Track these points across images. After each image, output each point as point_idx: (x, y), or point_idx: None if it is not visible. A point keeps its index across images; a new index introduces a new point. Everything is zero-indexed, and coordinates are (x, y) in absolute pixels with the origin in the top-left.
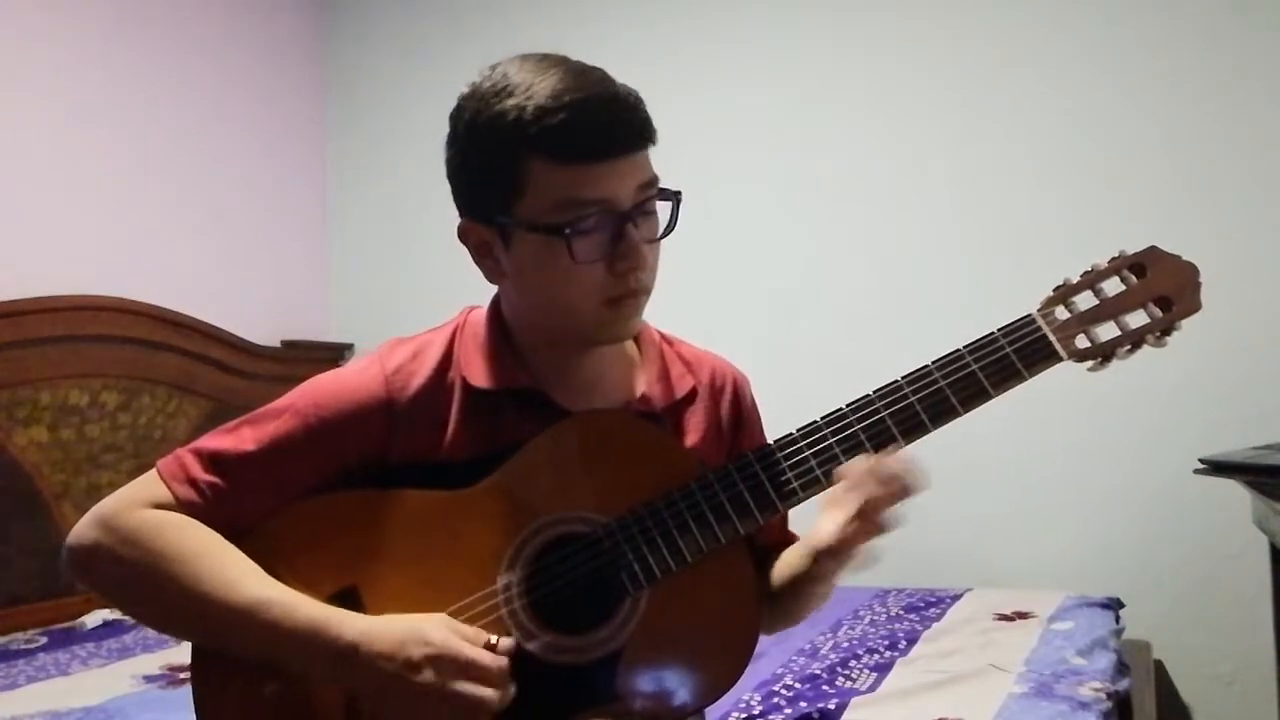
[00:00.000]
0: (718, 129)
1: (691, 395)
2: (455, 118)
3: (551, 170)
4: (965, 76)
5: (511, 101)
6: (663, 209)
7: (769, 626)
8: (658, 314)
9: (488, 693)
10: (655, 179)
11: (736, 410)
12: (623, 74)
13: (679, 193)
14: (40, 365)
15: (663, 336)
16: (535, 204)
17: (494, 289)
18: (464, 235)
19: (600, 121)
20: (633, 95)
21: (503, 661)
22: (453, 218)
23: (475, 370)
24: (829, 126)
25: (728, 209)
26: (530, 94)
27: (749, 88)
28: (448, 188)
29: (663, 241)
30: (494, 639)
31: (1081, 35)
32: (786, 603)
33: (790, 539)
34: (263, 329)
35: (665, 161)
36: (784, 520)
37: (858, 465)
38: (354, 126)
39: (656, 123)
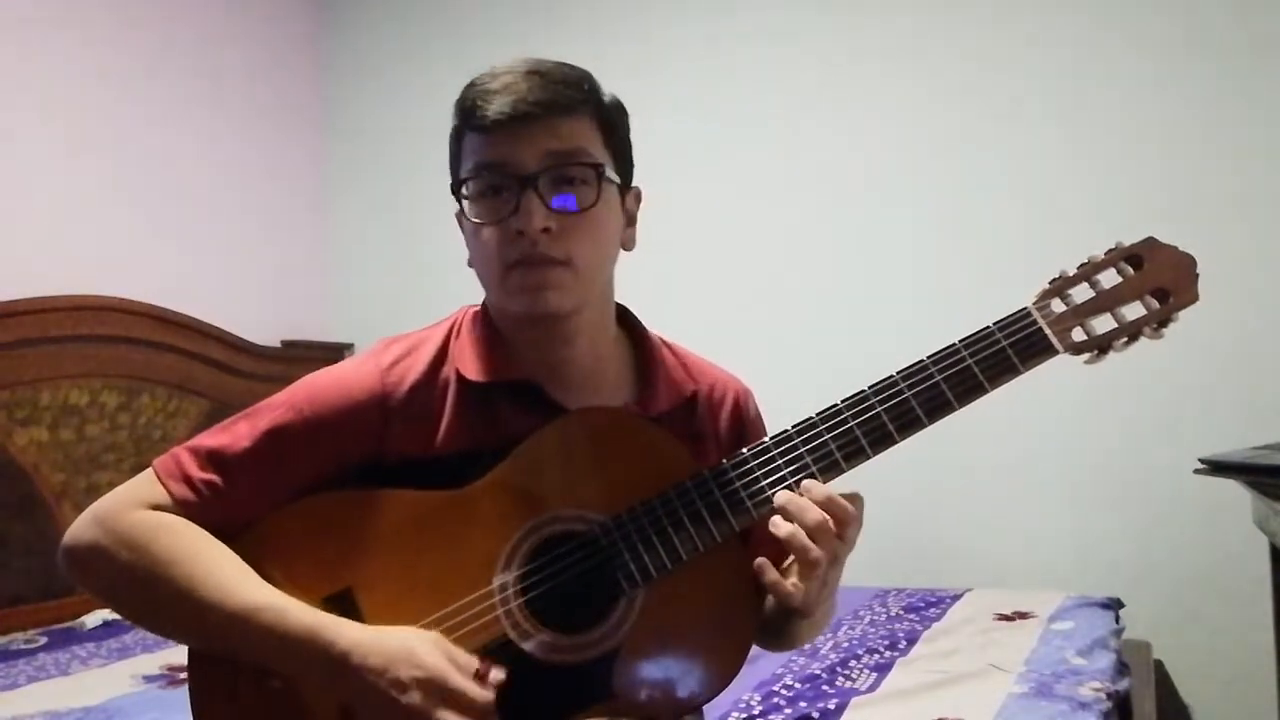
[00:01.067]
0: (716, 128)
1: (689, 403)
2: None
3: (469, 139)
4: (961, 73)
5: (464, 92)
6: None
7: (768, 646)
8: (654, 312)
9: None
10: (576, 150)
11: (736, 424)
12: (616, 74)
13: (600, 165)
14: (40, 365)
15: (664, 342)
16: (463, 175)
17: None
18: (457, 220)
19: (506, 90)
20: (562, 71)
21: (489, 695)
22: (451, 218)
23: (469, 364)
24: (824, 124)
25: (722, 207)
26: (474, 82)
27: (744, 88)
28: (446, 188)
29: (654, 239)
30: (487, 665)
31: (1077, 32)
32: (780, 624)
33: None
34: (262, 329)
35: (666, 161)
36: None
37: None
38: (354, 126)
39: (653, 123)
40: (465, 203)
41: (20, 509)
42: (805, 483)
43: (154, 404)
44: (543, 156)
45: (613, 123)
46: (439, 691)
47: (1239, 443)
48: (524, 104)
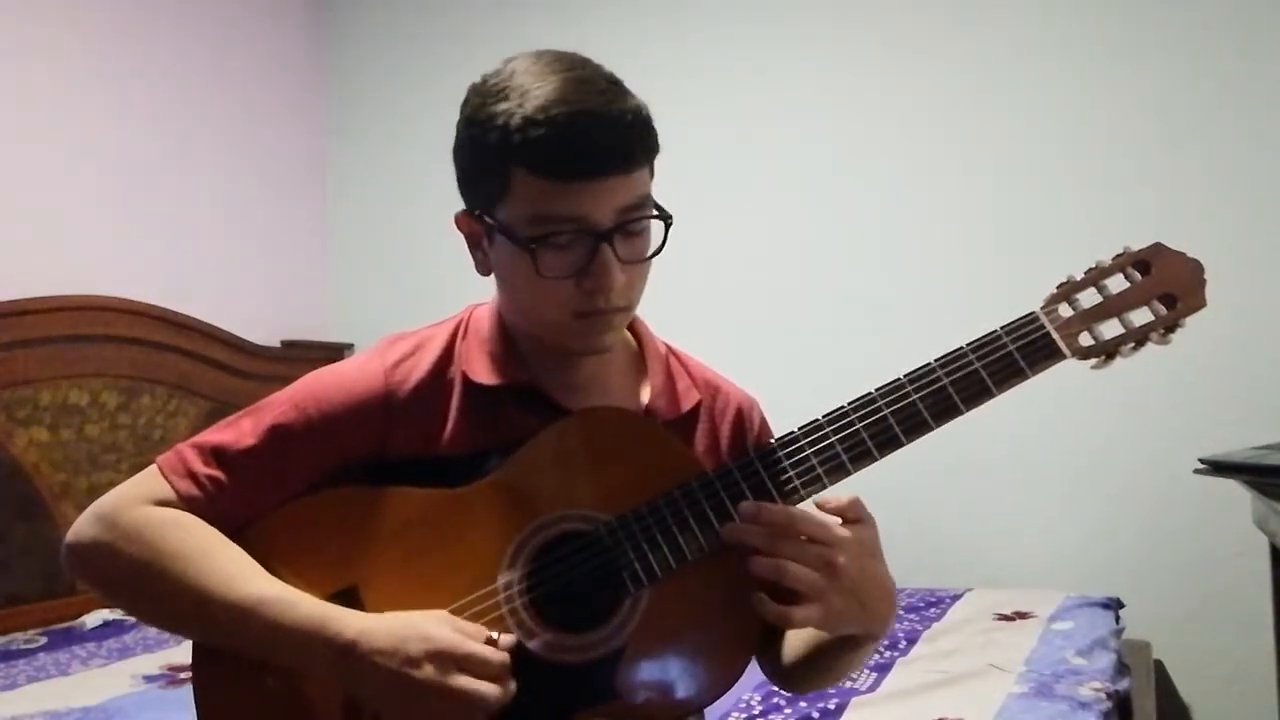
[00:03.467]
0: (719, 129)
1: (694, 412)
2: (462, 106)
3: (530, 182)
4: (967, 75)
5: (503, 106)
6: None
7: (797, 684)
8: (661, 316)
9: (488, 687)
10: (644, 199)
11: (739, 435)
12: (620, 73)
13: (670, 216)
14: (40, 365)
15: (670, 350)
16: (514, 212)
17: (495, 287)
18: (458, 223)
19: (581, 141)
20: (630, 113)
21: (504, 656)
22: (451, 219)
23: (476, 366)
24: (833, 125)
25: (729, 209)
26: (522, 102)
27: (751, 87)
28: (447, 188)
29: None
30: (495, 635)
31: (1085, 34)
32: (817, 659)
33: None
34: (263, 329)
35: (666, 164)
36: None
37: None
38: (354, 126)
39: (659, 124)
40: (531, 255)
41: (20, 509)
42: (749, 508)
43: (154, 404)
44: (616, 212)
45: (658, 146)
46: (452, 660)
47: (1239, 442)
48: (602, 159)
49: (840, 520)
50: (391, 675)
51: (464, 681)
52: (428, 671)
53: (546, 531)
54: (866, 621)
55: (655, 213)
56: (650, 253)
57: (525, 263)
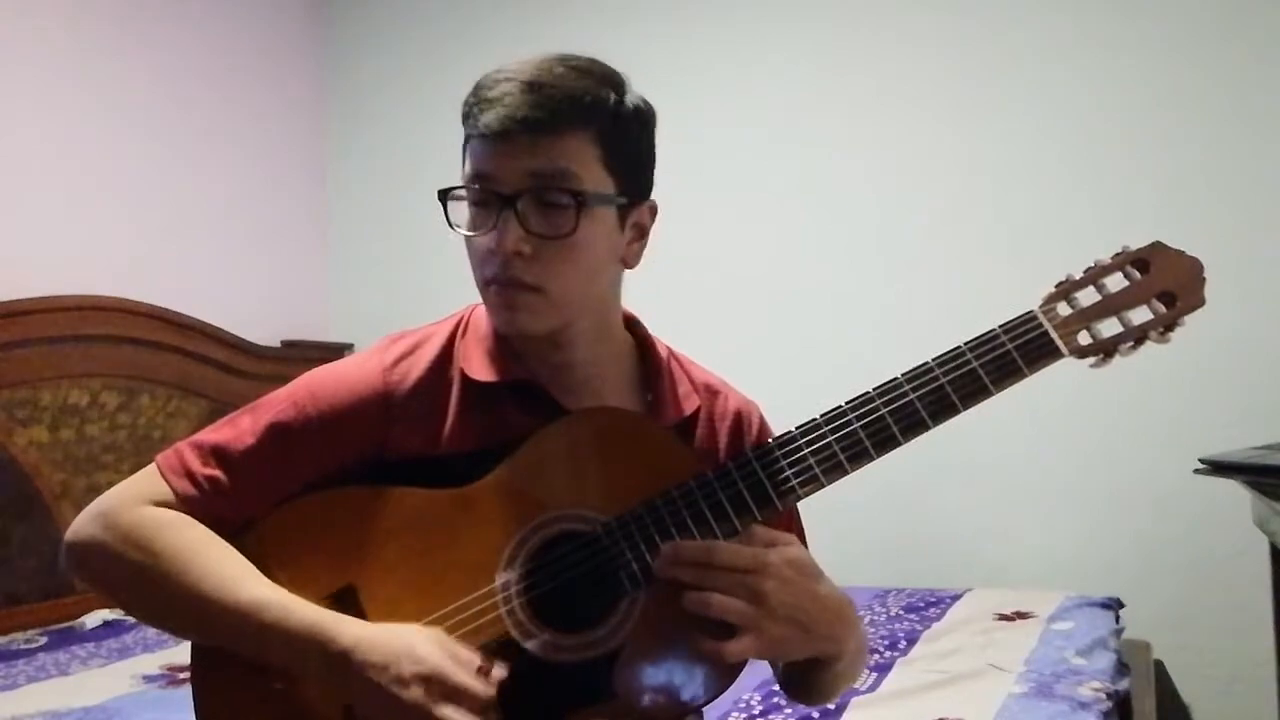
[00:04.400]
0: (720, 129)
1: (694, 417)
2: None
3: (469, 144)
4: (965, 75)
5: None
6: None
7: (797, 698)
8: (662, 316)
9: None
10: (563, 172)
11: (737, 441)
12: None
13: (581, 194)
14: (40, 365)
15: (672, 353)
16: (461, 177)
17: None
18: None
19: (499, 102)
20: (567, 82)
21: (490, 691)
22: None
23: (475, 364)
24: (830, 126)
25: (729, 209)
26: (484, 77)
27: (751, 87)
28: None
29: (660, 245)
30: (487, 664)
31: (1083, 33)
32: (799, 680)
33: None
34: (263, 329)
35: (666, 164)
36: (790, 521)
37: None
38: (354, 127)
39: (659, 124)
40: (443, 202)
41: (20, 509)
42: (667, 551)
43: (154, 404)
44: (524, 177)
45: (622, 137)
46: (440, 687)
47: (1239, 443)
48: (511, 120)
49: (772, 544)
50: (380, 691)
51: (448, 711)
52: (415, 694)
53: (545, 531)
54: (813, 644)
55: (573, 189)
56: (564, 232)
57: (451, 221)
